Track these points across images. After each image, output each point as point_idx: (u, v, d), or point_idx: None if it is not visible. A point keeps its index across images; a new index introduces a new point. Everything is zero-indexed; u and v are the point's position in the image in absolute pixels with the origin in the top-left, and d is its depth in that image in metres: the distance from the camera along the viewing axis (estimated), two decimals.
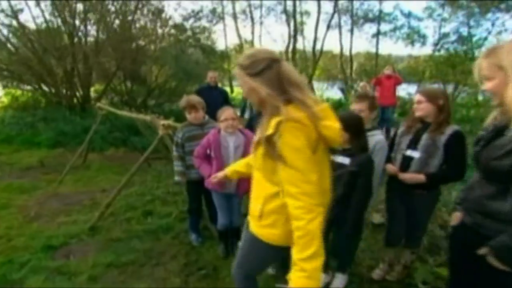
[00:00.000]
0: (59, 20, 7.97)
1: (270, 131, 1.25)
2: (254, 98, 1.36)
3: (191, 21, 9.28)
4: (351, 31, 12.87)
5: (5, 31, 7.77)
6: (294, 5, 12.65)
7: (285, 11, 13.20)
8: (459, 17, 9.71)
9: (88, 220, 3.58)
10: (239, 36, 14.18)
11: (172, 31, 8.95)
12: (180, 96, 9.02)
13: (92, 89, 9.52)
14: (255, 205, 1.50)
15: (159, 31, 8.87)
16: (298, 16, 13.05)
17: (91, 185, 4.69)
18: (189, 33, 9.30)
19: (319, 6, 12.63)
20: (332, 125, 1.34)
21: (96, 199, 4.17)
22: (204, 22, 9.72)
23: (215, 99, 5.14)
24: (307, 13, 14.08)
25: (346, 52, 12.65)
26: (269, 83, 1.29)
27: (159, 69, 9.64)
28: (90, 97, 9.26)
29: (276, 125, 1.23)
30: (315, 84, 13.77)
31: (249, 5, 15.09)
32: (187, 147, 2.91)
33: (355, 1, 13.06)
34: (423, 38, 10.69)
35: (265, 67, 1.30)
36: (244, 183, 2.57)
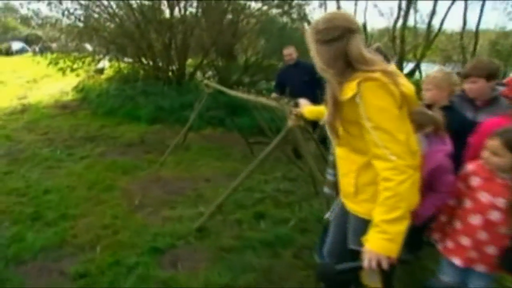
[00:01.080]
0: None
1: (349, 93, 1.22)
2: (319, 63, 1.32)
3: None
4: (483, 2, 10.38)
5: (113, 4, 7.86)
6: None
7: None
8: None
9: (194, 217, 3.08)
10: (338, 7, 12.66)
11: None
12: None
13: (186, 63, 9.34)
14: (346, 181, 1.45)
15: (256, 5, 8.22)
16: None
17: (193, 170, 4.25)
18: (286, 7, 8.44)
19: None
20: (407, 83, 1.33)
21: (200, 190, 3.69)
22: None
23: (296, 78, 4.41)
24: None
25: (472, 28, 10.44)
26: (335, 54, 1.26)
27: (254, 45, 8.98)
28: (185, 72, 9.07)
29: (356, 86, 1.20)
30: (424, 66, 11.88)
31: None
32: None
33: None
34: None
35: (337, 37, 1.25)
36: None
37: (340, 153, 1.46)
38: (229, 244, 2.71)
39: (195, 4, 8.19)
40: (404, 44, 11.08)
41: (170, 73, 8.65)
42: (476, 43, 10.65)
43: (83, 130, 5.74)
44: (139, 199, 3.39)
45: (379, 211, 1.23)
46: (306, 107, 2.30)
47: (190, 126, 5.28)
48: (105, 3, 7.37)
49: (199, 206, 3.32)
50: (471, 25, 11.48)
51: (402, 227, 1.20)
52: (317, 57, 1.31)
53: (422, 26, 11.98)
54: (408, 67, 11.78)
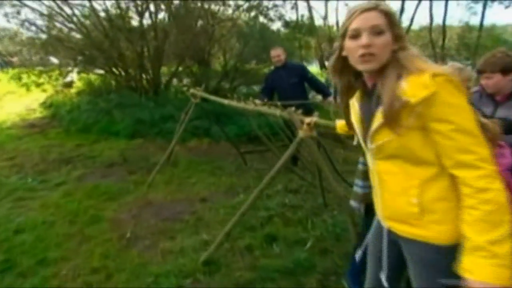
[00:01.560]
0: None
1: (421, 92, 0.99)
2: (387, 55, 1.07)
3: None
4: None
5: (77, 13, 7.25)
6: None
7: None
8: None
9: (198, 247, 2.67)
10: (310, 8, 12.49)
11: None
12: (260, 77, 8.15)
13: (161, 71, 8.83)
14: (403, 201, 1.15)
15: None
16: None
17: (185, 189, 3.82)
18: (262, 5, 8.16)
19: None
20: None
21: (198, 212, 3.27)
22: None
23: (285, 80, 4.20)
24: None
25: (439, 23, 10.58)
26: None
27: (231, 49, 8.60)
28: (161, 81, 8.57)
29: (429, 84, 0.98)
30: None
31: None
32: None
33: None
34: None
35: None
36: None
37: (387, 168, 1.18)
38: (244, 278, 2.33)
39: (164, 9, 7.74)
40: None
41: (144, 82, 8.13)
42: (444, 38, 10.81)
43: (56, 151, 5.11)
44: (131, 230, 2.92)
45: (477, 230, 0.99)
46: (340, 120, 1.96)
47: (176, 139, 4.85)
48: (69, 11, 6.72)
49: (201, 232, 2.91)
50: (438, 20, 11.66)
51: (510, 246, 0.96)
52: (387, 47, 1.08)
53: None
54: None
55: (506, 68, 2.01)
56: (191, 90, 4.02)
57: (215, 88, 8.11)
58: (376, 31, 1.06)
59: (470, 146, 1.01)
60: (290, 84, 4.22)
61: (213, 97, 3.83)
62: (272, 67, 4.58)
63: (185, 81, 8.79)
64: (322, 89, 4.43)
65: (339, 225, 2.98)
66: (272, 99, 4.33)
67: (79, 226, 2.98)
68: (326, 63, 10.18)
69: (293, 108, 2.56)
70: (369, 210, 1.99)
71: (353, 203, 2.04)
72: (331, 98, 4.29)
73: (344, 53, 1.14)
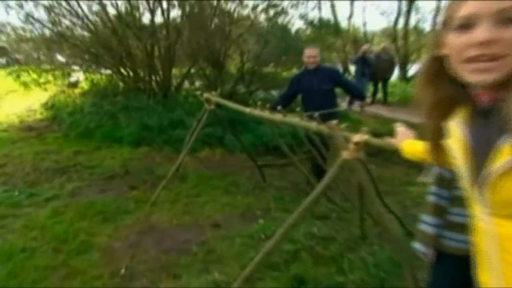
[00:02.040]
0: None
1: None
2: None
3: None
4: None
5: (85, 8, 7.00)
6: None
7: None
8: None
9: None
10: (333, 6, 11.99)
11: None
12: (279, 82, 7.74)
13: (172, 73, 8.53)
14: None
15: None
16: None
17: (194, 211, 3.36)
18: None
19: None
20: None
21: (209, 242, 2.79)
22: None
23: (314, 86, 3.80)
24: None
25: None
26: None
27: (249, 51, 8.23)
28: (171, 83, 8.24)
29: None
30: None
31: None
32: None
33: None
34: None
35: None
36: None
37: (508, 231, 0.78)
38: None
39: (177, 6, 7.44)
40: (407, 44, 10.53)
41: (154, 84, 7.76)
42: None
43: (51, 159, 4.74)
44: (127, 264, 2.47)
45: None
46: (406, 140, 1.48)
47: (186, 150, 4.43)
48: (74, 4, 6.44)
49: (212, 270, 2.43)
50: None
51: None
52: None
53: (424, 25, 11.52)
54: (413, 69, 11.33)
55: None
56: (205, 95, 3.58)
57: (230, 93, 7.74)
58: (505, 19, 0.69)
59: None
60: (321, 91, 3.80)
61: (231, 104, 3.38)
62: (295, 71, 4.17)
63: (198, 84, 8.53)
64: (359, 92, 3.99)
65: (383, 266, 2.49)
66: (288, 106, 3.86)
67: (65, 256, 2.53)
68: (351, 67, 9.69)
69: (335, 121, 2.10)
70: (442, 259, 1.59)
71: (419, 246, 1.64)
72: (368, 101, 3.87)
73: (443, 52, 0.79)
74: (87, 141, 5.48)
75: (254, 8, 7.68)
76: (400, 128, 1.60)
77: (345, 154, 1.96)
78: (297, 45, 7.08)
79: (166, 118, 5.81)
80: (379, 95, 9.28)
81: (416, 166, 5.48)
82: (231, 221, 3.17)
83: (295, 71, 7.99)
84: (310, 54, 3.82)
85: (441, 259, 1.62)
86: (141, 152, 5.10)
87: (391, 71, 9.11)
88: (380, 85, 9.16)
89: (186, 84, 8.53)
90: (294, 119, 2.52)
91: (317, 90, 3.79)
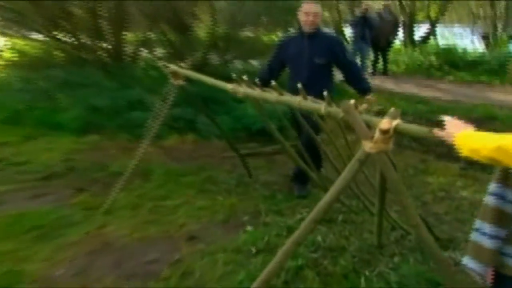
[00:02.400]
0: None
1: None
2: None
3: None
4: None
5: None
6: None
7: None
8: None
9: None
10: None
11: None
12: (260, 49, 7.45)
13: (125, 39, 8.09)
14: None
15: None
16: None
17: (163, 219, 3.11)
18: None
19: None
20: None
21: (184, 260, 2.56)
22: None
23: (308, 57, 3.46)
24: None
25: None
26: None
27: (221, 11, 7.90)
28: (125, 51, 7.83)
29: None
30: (441, 29, 11.42)
31: None
32: None
33: None
34: None
35: None
36: None
37: None
38: None
39: None
40: (413, 1, 10.48)
41: (102, 54, 7.41)
42: None
43: None
44: None
45: None
46: (462, 133, 1.35)
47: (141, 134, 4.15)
48: None
49: None
50: None
51: None
52: None
53: None
54: (421, 30, 11.30)
55: None
56: (172, 67, 3.26)
57: (201, 63, 7.43)
58: None
59: None
60: (312, 65, 3.44)
61: (208, 79, 3.07)
62: (281, 35, 3.80)
63: (160, 52, 8.11)
64: (360, 82, 3.59)
65: (409, 283, 2.40)
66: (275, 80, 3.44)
67: None
68: (346, 30, 9.52)
69: (352, 101, 1.87)
70: (503, 283, 1.51)
71: (471, 263, 1.52)
72: (370, 97, 3.54)
73: None
74: (15, 129, 5.03)
75: None
76: (449, 119, 1.46)
77: (369, 147, 1.76)
78: (279, 4, 6.82)
79: (120, 97, 5.45)
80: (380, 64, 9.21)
81: (433, 151, 5.37)
82: (211, 230, 2.96)
83: (280, 35, 7.74)
84: (309, 10, 3.41)
85: (502, 283, 1.51)
86: (89, 142, 4.74)
87: (394, 34, 9.08)
88: (379, 52, 9.10)
89: (145, 53, 8.14)
90: (293, 99, 2.27)
91: (307, 63, 3.45)
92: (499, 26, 10.71)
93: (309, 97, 2.27)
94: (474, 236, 1.54)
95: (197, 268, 2.49)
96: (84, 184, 3.66)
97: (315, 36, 3.47)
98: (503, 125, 5.72)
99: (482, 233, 1.50)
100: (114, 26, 7.28)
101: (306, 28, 3.44)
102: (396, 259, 2.67)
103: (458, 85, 8.02)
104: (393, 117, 1.70)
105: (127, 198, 3.35)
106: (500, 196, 1.43)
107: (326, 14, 11.97)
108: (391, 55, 9.55)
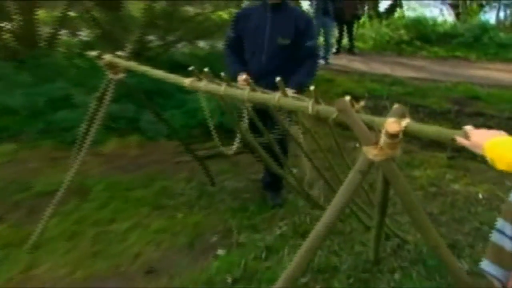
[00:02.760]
0: None
1: None
2: None
3: None
4: None
5: None
6: None
7: None
8: None
9: None
10: None
11: None
12: (210, 28, 7.27)
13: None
14: None
15: None
16: None
17: (111, 250, 2.89)
18: None
19: None
20: None
21: None
22: None
23: (267, 34, 3.22)
24: None
25: None
26: None
27: None
28: (39, 34, 7.35)
29: None
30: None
31: None
32: None
33: None
34: None
35: None
36: None
37: None
38: None
39: None
40: None
41: (8, 38, 7.07)
42: None
43: None
44: None
45: None
46: (492, 142, 1.33)
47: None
48: None
49: None
50: None
51: None
52: None
53: None
54: (385, 3, 11.65)
55: None
56: (107, 57, 3.01)
57: (138, 48, 7.17)
58: None
59: None
60: (276, 46, 3.23)
61: (157, 72, 2.86)
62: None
63: (84, 35, 7.79)
64: (303, 75, 3.31)
65: None
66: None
67: None
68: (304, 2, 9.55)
69: (347, 97, 1.76)
70: None
71: (490, 267, 1.68)
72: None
73: None
74: None
75: None
76: (472, 129, 1.44)
77: (373, 154, 1.66)
78: None
79: (38, 94, 5.15)
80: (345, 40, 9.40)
81: (417, 139, 5.42)
82: (174, 260, 2.80)
83: (233, 11, 7.58)
84: None
85: None
86: (2, 154, 4.36)
87: (357, 8, 9.30)
88: (345, 27, 9.29)
89: (66, 36, 7.83)
90: (270, 97, 2.12)
91: (268, 42, 3.23)
92: None
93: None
94: (494, 237, 1.63)
95: None
96: (0, 211, 3.35)
97: (281, 9, 3.25)
98: (488, 105, 5.97)
99: (504, 234, 1.59)
100: (20, 3, 6.91)
101: None
102: (397, 275, 2.65)
103: (432, 62, 8.33)
104: (400, 116, 1.60)
105: (61, 225, 3.09)
106: None
107: None
108: (356, 30, 9.74)
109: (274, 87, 2.16)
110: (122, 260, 2.76)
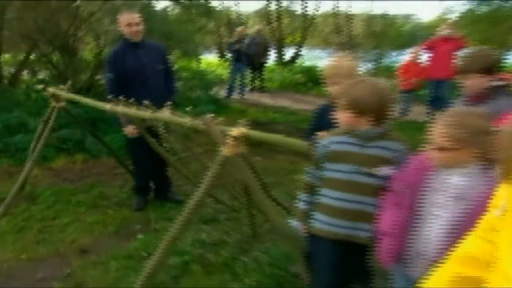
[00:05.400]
0: None
1: None
2: None
3: None
4: None
5: None
6: None
7: None
8: None
9: None
10: None
11: None
12: None
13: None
14: None
15: None
16: None
17: (53, 238, 2.97)
18: None
19: None
20: None
21: (75, 273, 2.52)
22: None
23: (146, 64, 3.28)
24: None
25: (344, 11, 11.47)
26: None
27: (106, 33, 7.64)
28: (2, 73, 7.11)
29: None
30: (305, 52, 12.56)
31: None
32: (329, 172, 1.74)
33: None
34: None
35: None
36: None
37: None
38: None
39: None
40: (281, 27, 11.37)
41: None
42: (350, 25, 11.76)
43: None
44: None
45: None
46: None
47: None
48: None
49: None
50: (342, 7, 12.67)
51: None
52: None
53: (296, 8, 12.63)
54: (290, 52, 12.29)
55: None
56: (51, 89, 3.18)
57: (88, 85, 7.10)
58: None
59: None
60: (155, 71, 3.29)
61: (87, 100, 3.08)
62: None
63: (44, 74, 7.54)
64: (173, 89, 3.55)
65: (279, 263, 2.65)
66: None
67: None
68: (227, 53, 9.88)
69: (210, 115, 2.10)
70: (314, 241, 1.85)
71: (294, 222, 1.93)
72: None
73: None
74: None
75: None
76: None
77: (225, 151, 2.00)
78: (163, 26, 6.84)
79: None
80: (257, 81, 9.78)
81: (301, 153, 5.84)
82: (103, 243, 2.93)
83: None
84: (132, 21, 3.14)
85: (311, 241, 1.87)
86: None
87: (265, 56, 9.56)
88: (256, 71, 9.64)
89: (26, 75, 7.67)
90: (165, 115, 2.44)
91: (151, 70, 3.26)
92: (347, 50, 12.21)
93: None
94: (298, 203, 1.90)
95: (89, 279, 2.48)
96: None
97: (145, 44, 3.29)
98: None
99: (301, 200, 1.86)
100: None
101: (135, 38, 3.21)
102: (268, 244, 2.90)
103: (319, 98, 8.96)
104: (242, 126, 1.97)
105: (11, 222, 3.13)
106: (312, 174, 1.81)
107: (209, 37, 12.38)
108: (266, 74, 10.21)
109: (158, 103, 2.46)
110: (61, 245, 2.86)
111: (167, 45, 4.36)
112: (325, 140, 1.74)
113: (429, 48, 6.19)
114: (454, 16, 9.26)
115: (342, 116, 1.69)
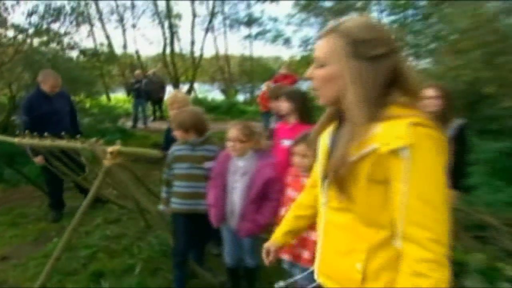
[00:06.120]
0: None
1: (395, 143, 0.79)
2: (334, 89, 0.89)
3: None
4: (225, 33, 12.75)
5: None
6: (168, 6, 11.37)
7: (157, 13, 11.85)
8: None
9: None
10: (108, 37, 11.94)
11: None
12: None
13: None
14: (347, 263, 0.93)
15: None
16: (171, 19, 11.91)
17: None
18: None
19: (193, 9, 11.86)
20: None
21: None
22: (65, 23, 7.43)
23: (59, 108, 3.59)
24: (178, 16, 13.02)
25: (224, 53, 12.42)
26: (378, 76, 0.84)
27: (18, 79, 7.10)
28: None
29: (408, 133, 0.78)
30: (197, 86, 13.03)
31: (117, 6, 12.81)
32: (176, 170, 2.17)
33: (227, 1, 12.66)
34: (287, 41, 11.21)
35: (386, 52, 0.84)
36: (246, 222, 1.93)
37: (336, 220, 0.97)
38: None
39: None
40: (176, 68, 11.74)
41: None
42: (228, 65, 12.73)
43: None
44: None
45: None
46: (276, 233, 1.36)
47: None
48: None
49: None
50: (222, 51, 13.58)
51: None
52: (341, 82, 0.87)
53: (187, 52, 13.13)
54: (184, 87, 12.65)
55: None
56: None
57: (4, 125, 6.52)
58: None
59: (428, 220, 0.78)
60: (65, 113, 3.63)
61: None
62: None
63: None
64: (77, 125, 3.85)
65: (165, 242, 2.92)
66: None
67: None
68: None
69: (94, 139, 2.39)
70: (175, 217, 2.24)
71: (162, 207, 2.29)
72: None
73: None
74: None
75: (21, 32, 6.63)
76: None
77: (106, 163, 2.23)
78: (69, 72, 6.66)
79: None
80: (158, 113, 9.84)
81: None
82: (22, 250, 2.97)
83: (80, 98, 7.35)
84: (56, 85, 3.43)
85: (173, 217, 2.27)
86: None
87: (162, 91, 9.61)
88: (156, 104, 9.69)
89: None
90: (62, 142, 2.63)
91: (63, 112, 3.58)
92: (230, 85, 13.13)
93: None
94: (162, 194, 2.29)
95: (10, 279, 2.56)
96: None
97: (57, 94, 3.51)
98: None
99: (163, 191, 2.27)
100: None
101: (52, 93, 3.44)
102: (158, 231, 3.06)
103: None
104: (117, 144, 2.26)
105: None
106: (167, 173, 2.22)
107: (115, 79, 12.08)
108: (165, 105, 10.34)
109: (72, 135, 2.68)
110: None
111: (70, 89, 4.47)
112: (171, 149, 2.17)
113: (275, 82, 7.17)
114: (296, 58, 10.67)
115: (177, 133, 2.13)
